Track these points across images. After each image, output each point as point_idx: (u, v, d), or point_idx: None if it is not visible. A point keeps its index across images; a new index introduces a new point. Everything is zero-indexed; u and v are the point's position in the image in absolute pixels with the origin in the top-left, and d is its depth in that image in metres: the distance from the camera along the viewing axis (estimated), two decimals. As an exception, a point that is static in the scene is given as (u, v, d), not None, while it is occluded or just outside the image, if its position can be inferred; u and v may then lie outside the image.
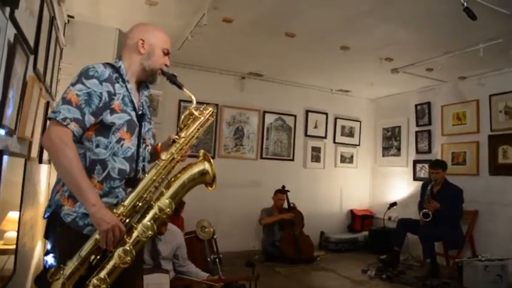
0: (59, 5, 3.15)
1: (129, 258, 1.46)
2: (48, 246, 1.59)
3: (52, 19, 2.78)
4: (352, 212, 6.76)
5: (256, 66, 5.58)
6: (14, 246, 2.04)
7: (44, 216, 1.59)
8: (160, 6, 3.53)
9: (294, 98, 6.37)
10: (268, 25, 3.92)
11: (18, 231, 2.07)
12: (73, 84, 1.52)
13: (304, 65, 5.30)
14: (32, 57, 2.16)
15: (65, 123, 1.45)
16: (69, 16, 3.68)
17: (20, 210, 2.10)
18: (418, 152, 6.09)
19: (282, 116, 6.27)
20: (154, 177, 1.59)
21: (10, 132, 1.80)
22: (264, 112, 6.13)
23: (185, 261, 3.56)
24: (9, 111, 1.72)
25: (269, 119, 6.17)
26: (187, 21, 3.84)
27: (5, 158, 1.70)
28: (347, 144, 6.90)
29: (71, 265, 1.42)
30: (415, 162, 6.10)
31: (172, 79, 1.74)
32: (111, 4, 3.58)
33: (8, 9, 1.58)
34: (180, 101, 5.43)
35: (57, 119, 1.45)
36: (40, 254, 3.19)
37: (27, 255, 2.57)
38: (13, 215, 2.03)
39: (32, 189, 2.57)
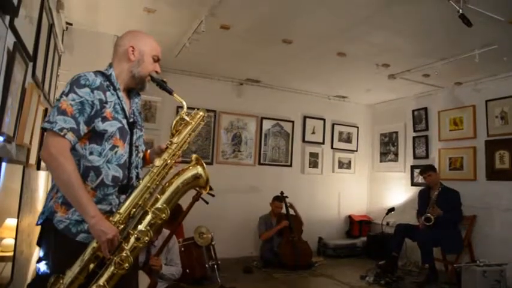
0: (58, 12, 3.16)
1: (127, 264, 1.48)
2: (41, 253, 1.58)
3: (51, 26, 2.79)
4: (350, 218, 6.76)
5: (254, 73, 5.60)
6: (11, 254, 2.03)
7: (37, 223, 1.59)
8: (158, 13, 3.55)
9: (292, 104, 6.39)
10: (265, 32, 3.94)
11: (15, 239, 2.07)
12: (66, 94, 1.52)
13: (301, 71, 5.32)
14: (30, 65, 2.16)
15: (62, 134, 1.46)
16: (67, 23, 3.69)
17: (18, 217, 2.10)
18: (415, 157, 6.10)
19: (279, 122, 6.29)
20: (148, 184, 1.61)
21: (9, 139, 1.80)
22: (262, 118, 6.14)
23: (171, 262, 3.56)
24: (8, 118, 1.73)
25: (267, 125, 6.18)
26: (185, 28, 3.86)
27: (4, 165, 1.70)
28: (345, 149, 6.91)
29: (70, 274, 1.43)
30: (413, 167, 6.12)
31: (162, 85, 1.75)
32: (109, 11, 3.59)
33: (7, 18, 1.59)
34: (178, 107, 5.43)
35: (54, 129, 1.45)
36: (37, 261, 3.17)
37: (24, 263, 2.56)
38: (11, 222, 2.03)
39: (29, 196, 2.56)
